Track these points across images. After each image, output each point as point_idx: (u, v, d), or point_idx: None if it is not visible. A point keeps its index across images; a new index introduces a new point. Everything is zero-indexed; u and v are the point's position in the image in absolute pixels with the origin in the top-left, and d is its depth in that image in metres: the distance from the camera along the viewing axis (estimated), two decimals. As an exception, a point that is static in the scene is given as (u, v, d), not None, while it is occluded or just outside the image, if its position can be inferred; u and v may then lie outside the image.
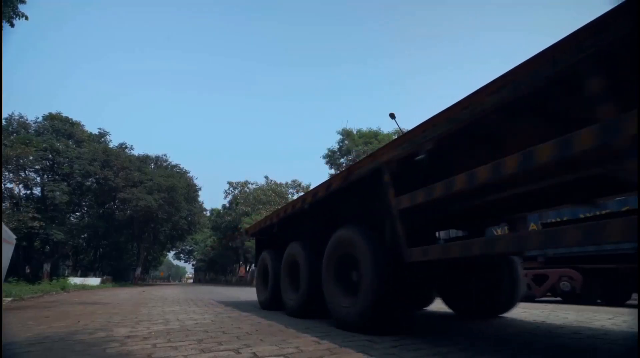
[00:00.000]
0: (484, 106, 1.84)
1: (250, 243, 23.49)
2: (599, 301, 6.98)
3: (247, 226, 25.37)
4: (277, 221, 5.22)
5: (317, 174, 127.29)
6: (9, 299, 8.07)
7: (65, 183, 25.31)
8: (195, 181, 34.35)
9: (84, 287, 16.61)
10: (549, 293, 7.62)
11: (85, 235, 32.14)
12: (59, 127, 26.87)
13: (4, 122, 24.60)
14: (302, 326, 3.48)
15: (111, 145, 30.34)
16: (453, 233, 5.13)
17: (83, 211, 31.18)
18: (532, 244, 1.72)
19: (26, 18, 8.41)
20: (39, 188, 25.31)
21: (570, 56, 1.45)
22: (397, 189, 2.60)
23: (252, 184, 36.92)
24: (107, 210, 31.54)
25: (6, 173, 22.01)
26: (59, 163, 25.27)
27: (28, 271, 25.99)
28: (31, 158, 22.39)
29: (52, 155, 24.90)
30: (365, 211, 3.46)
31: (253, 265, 39.89)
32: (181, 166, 33.79)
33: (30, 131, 25.74)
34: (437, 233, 4.58)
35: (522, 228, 4.10)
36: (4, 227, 12.79)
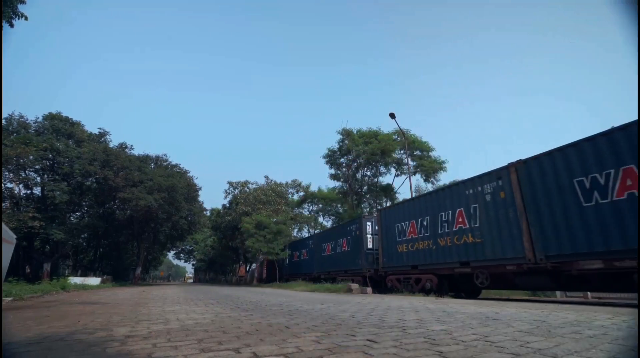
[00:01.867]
0: None
1: (250, 243, 23.33)
2: (451, 293, 10.31)
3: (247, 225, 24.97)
4: None
5: (317, 174, 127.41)
6: (9, 299, 8.07)
7: (65, 183, 25.27)
8: (195, 181, 34.33)
9: (84, 287, 16.61)
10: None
11: (85, 235, 32.09)
12: (59, 127, 26.83)
13: (4, 122, 24.56)
14: (302, 326, 3.48)
15: (111, 145, 30.27)
16: None
17: (83, 211, 31.13)
18: None
19: (26, 18, 8.40)
20: (39, 188, 25.27)
21: None
22: None
23: (252, 184, 36.92)
24: (107, 210, 31.50)
25: (6, 173, 21.98)
26: (59, 162, 25.24)
27: (28, 271, 25.99)
28: (31, 157, 22.35)
29: (52, 155, 24.87)
30: None
31: (252, 264, 39.86)
32: (181, 166, 33.77)
33: (30, 130, 25.68)
34: None
35: None
36: (4, 227, 12.80)
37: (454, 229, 9.88)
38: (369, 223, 15.14)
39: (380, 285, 13.14)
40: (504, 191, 8.62)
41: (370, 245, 14.71)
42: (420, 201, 11.77)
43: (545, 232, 7.47)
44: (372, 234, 14.93)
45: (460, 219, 9.75)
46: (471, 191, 9.55)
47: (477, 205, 9.27)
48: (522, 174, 8.19)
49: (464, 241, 9.49)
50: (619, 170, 6.31)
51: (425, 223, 11.09)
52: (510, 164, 8.56)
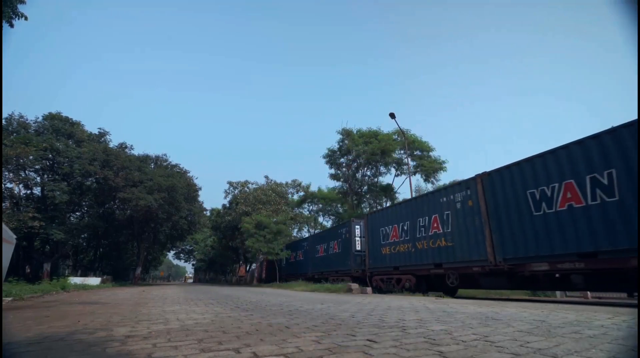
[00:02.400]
0: None
1: (250, 243, 23.38)
2: (428, 292, 10.78)
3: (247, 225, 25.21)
4: None
5: (317, 174, 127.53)
6: (9, 299, 8.07)
7: (65, 183, 25.24)
8: (195, 181, 34.28)
9: (84, 287, 16.60)
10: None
11: (85, 235, 32.04)
12: (59, 127, 26.80)
13: (4, 122, 24.53)
14: (302, 326, 3.48)
15: (111, 145, 30.22)
16: None
17: (83, 211, 31.09)
18: None
19: (25, 18, 8.39)
20: (39, 188, 25.24)
21: None
22: None
23: (252, 184, 36.88)
24: (107, 210, 31.47)
25: (6, 173, 21.97)
26: (59, 162, 25.21)
27: (28, 271, 25.98)
28: (31, 157, 22.32)
29: (52, 155, 24.84)
30: None
31: (252, 264, 39.84)
32: (181, 166, 33.72)
33: (30, 130, 25.64)
34: None
35: None
36: (4, 227, 12.79)
37: (429, 233, 10.60)
38: (357, 227, 15.81)
39: (367, 285, 13.76)
40: (471, 200, 9.36)
41: (358, 247, 15.38)
42: (401, 206, 12.52)
43: (504, 237, 8.23)
44: (360, 237, 15.59)
45: (435, 225, 10.45)
46: (445, 199, 10.26)
47: (449, 212, 9.99)
48: (486, 185, 8.96)
49: (438, 245, 10.22)
50: (562, 184, 7.11)
51: (405, 228, 11.81)
52: (477, 176, 9.33)
